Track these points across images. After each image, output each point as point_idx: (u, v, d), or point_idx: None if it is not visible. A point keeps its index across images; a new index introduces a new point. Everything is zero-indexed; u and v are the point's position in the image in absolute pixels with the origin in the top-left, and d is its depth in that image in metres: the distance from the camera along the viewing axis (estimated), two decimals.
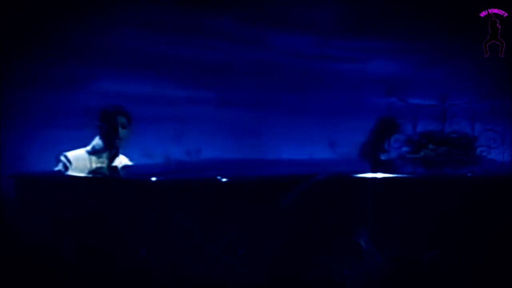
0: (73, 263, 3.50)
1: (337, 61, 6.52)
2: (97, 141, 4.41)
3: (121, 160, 4.46)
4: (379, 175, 3.72)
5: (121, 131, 4.34)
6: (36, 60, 5.58)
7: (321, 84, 6.40)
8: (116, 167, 4.35)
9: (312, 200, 3.57)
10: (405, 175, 4.18)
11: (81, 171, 4.21)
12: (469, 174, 4.39)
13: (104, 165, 4.36)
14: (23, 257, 3.58)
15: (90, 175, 4.09)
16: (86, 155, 4.39)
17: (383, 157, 5.35)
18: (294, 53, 6.46)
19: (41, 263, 3.55)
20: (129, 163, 4.52)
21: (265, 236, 3.51)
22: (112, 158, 4.40)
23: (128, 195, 3.56)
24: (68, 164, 4.31)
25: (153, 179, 3.59)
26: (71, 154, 4.36)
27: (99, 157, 4.39)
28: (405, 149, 5.19)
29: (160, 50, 6.14)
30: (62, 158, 4.34)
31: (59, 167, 4.32)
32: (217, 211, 3.51)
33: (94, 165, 4.35)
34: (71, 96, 5.73)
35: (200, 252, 3.43)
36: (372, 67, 6.39)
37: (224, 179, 3.54)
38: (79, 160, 4.34)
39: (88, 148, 4.41)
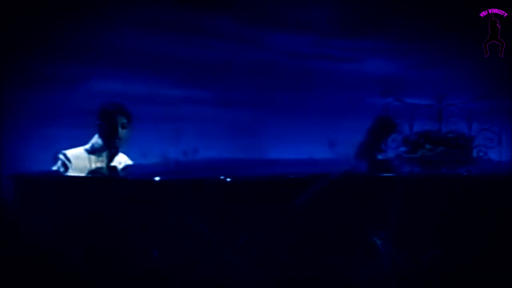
0: (73, 263, 3.52)
1: (335, 61, 6.52)
2: (96, 140, 4.36)
3: (121, 159, 4.42)
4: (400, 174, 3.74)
5: (121, 131, 4.29)
6: (34, 60, 5.58)
7: (319, 84, 6.40)
8: (115, 167, 4.31)
9: (325, 200, 3.57)
10: (420, 174, 4.21)
11: (80, 170, 4.20)
12: (464, 173, 4.43)
13: (104, 164, 4.31)
14: (23, 258, 3.59)
15: (91, 175, 4.09)
16: (86, 154, 4.34)
17: (380, 157, 5.37)
18: (292, 53, 6.46)
19: (41, 264, 3.56)
20: (129, 162, 4.47)
21: (277, 237, 3.50)
22: (111, 157, 4.34)
23: (130, 195, 3.57)
24: (67, 162, 4.27)
25: (157, 179, 3.59)
26: (70, 153, 4.31)
27: (98, 156, 4.34)
28: (402, 149, 5.21)
29: (158, 50, 6.13)
30: (61, 156, 4.29)
31: (58, 165, 4.27)
32: (226, 211, 3.50)
33: (93, 164, 4.30)
34: (69, 96, 5.72)
35: (210, 252, 3.42)
36: (369, 67, 6.38)
37: (228, 179, 3.54)
38: (78, 159, 4.29)
39: (87, 146, 4.37)
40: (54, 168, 4.27)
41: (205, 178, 3.73)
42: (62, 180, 3.95)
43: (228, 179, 3.53)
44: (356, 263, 3.52)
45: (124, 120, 4.31)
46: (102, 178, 4.09)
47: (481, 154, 5.14)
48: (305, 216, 3.52)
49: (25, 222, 3.72)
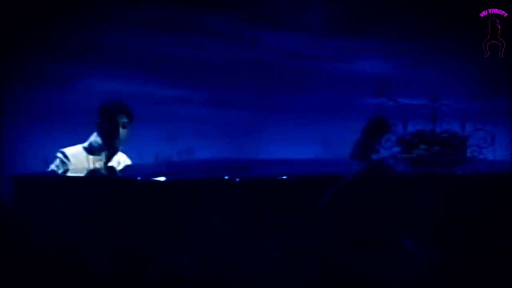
0: (73, 265, 3.48)
1: (330, 61, 6.54)
2: (95, 138, 4.25)
3: (120, 158, 4.33)
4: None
5: (122, 131, 4.17)
6: (34, 60, 5.53)
7: (315, 84, 6.41)
8: (113, 167, 4.23)
9: (351, 200, 3.53)
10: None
11: (79, 170, 4.10)
12: (458, 173, 4.44)
13: (102, 163, 4.23)
14: (24, 260, 3.55)
15: (91, 175, 3.99)
16: (84, 153, 4.23)
17: (375, 157, 5.38)
18: (287, 53, 6.47)
19: (41, 265, 3.52)
20: (129, 161, 4.38)
21: (303, 239, 3.45)
22: (110, 156, 4.25)
23: (129, 195, 3.50)
24: (66, 160, 4.17)
25: (162, 179, 3.53)
26: (68, 151, 4.21)
27: (97, 155, 4.23)
28: (396, 149, 5.22)
29: (154, 50, 6.12)
30: (59, 154, 4.19)
31: (56, 163, 4.18)
32: (250, 212, 3.43)
33: (91, 163, 4.21)
34: (67, 96, 5.69)
35: (236, 256, 3.36)
36: (365, 67, 6.41)
37: (237, 179, 3.48)
38: (77, 157, 4.19)
39: (85, 144, 4.26)
40: (52, 166, 4.20)
41: (228, 178, 3.57)
42: (63, 181, 3.86)
43: (237, 179, 3.47)
44: (383, 265, 3.49)
45: (125, 120, 4.18)
46: (100, 178, 3.98)
47: (475, 154, 5.17)
48: (331, 217, 3.48)
49: (25, 223, 3.66)
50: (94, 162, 4.24)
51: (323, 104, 6.38)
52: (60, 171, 4.15)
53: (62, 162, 4.18)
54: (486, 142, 5.21)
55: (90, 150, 4.25)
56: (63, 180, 3.88)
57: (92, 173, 4.09)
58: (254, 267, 3.34)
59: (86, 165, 4.20)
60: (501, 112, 5.35)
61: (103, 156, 4.26)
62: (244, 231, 3.39)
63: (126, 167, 4.31)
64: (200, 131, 6.16)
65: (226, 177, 3.49)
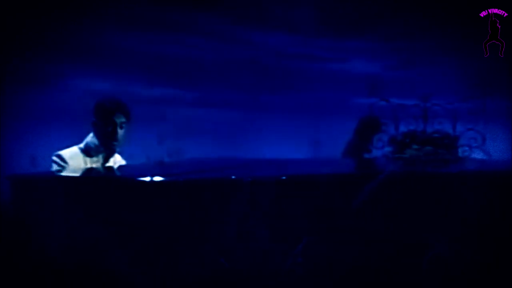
0: (72, 266, 3.46)
1: (322, 61, 6.56)
2: (91, 139, 4.15)
3: (115, 159, 4.27)
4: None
5: (120, 132, 4.07)
6: (34, 60, 5.51)
7: (307, 83, 6.43)
8: (112, 167, 4.16)
9: (383, 200, 3.51)
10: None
11: (76, 171, 4.01)
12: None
13: (99, 164, 4.16)
14: (22, 260, 3.53)
15: (90, 175, 3.91)
16: (81, 155, 4.15)
17: (367, 156, 5.42)
18: (279, 53, 6.48)
19: (41, 265, 3.51)
20: (123, 162, 4.32)
21: (335, 241, 3.41)
22: (107, 157, 4.19)
23: (127, 195, 3.46)
24: (63, 163, 4.08)
25: (160, 179, 3.47)
26: (66, 154, 4.11)
27: (94, 156, 4.16)
28: (387, 149, 5.25)
29: (145, 49, 6.11)
30: (55, 158, 4.11)
31: (55, 167, 4.09)
32: (284, 213, 3.37)
33: (89, 165, 4.11)
34: (64, 95, 5.66)
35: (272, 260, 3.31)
36: (356, 67, 6.44)
37: (248, 178, 3.42)
38: (74, 160, 4.10)
39: (81, 146, 4.18)
40: (51, 170, 4.11)
41: (263, 177, 3.46)
42: (62, 181, 3.80)
43: (248, 179, 3.40)
44: (412, 268, 3.48)
45: (123, 120, 4.07)
46: (100, 177, 3.86)
47: (466, 153, 5.21)
48: (363, 219, 3.44)
49: (23, 224, 3.63)
50: (91, 164, 4.15)
51: (315, 104, 6.40)
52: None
53: (60, 166, 4.09)
54: (476, 142, 5.24)
55: (86, 152, 4.17)
56: (61, 180, 3.82)
57: (91, 172, 4.02)
58: (288, 269, 3.30)
59: (83, 167, 4.12)
60: (491, 112, 5.39)
61: (100, 158, 4.19)
62: (276, 234, 3.33)
63: (119, 167, 4.22)
64: (193, 131, 6.15)
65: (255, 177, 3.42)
